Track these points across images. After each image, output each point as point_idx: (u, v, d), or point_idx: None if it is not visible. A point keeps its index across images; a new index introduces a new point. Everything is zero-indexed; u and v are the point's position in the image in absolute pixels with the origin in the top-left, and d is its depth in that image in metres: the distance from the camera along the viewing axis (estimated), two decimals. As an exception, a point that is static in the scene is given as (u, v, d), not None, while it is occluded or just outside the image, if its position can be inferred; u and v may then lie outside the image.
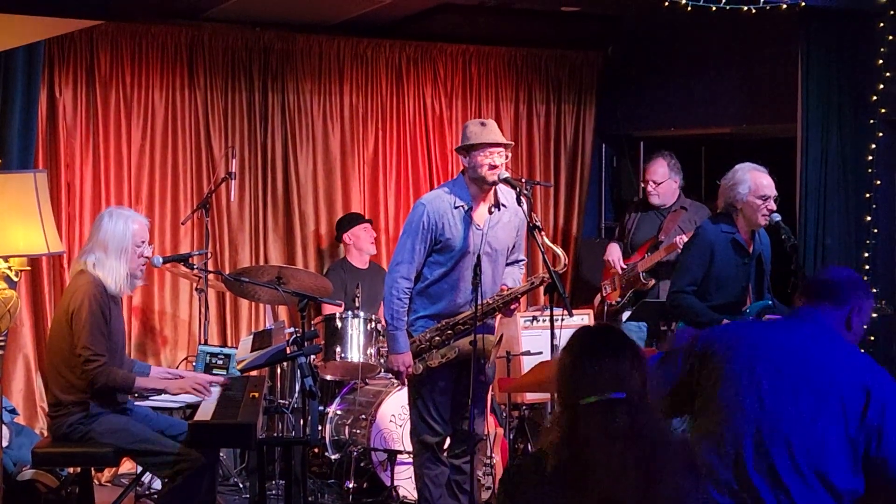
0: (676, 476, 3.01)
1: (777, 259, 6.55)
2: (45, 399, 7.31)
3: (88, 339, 5.42)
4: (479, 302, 5.58)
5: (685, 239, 7.42)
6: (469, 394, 5.69)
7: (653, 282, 7.76)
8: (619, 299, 7.97)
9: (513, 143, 5.89)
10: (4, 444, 6.40)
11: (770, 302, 6.31)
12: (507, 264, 5.95)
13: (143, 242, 5.64)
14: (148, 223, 5.77)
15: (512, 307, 5.83)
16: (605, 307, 8.04)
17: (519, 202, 5.71)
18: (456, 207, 5.73)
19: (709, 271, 6.20)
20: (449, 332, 5.73)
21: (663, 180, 7.92)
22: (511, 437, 7.43)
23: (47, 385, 5.75)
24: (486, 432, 6.22)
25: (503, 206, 5.80)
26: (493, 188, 5.77)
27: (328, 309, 7.42)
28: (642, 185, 8.15)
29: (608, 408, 2.99)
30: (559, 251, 5.64)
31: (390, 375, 7.15)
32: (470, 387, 5.68)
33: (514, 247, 5.96)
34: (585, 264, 9.16)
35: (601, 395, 3.00)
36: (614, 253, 8.06)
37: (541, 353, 7.20)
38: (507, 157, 5.73)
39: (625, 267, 7.96)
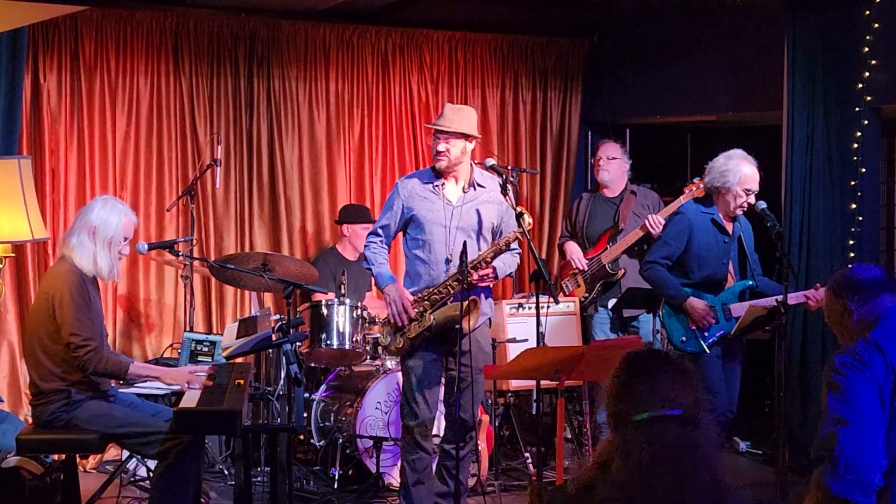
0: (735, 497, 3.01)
1: (762, 246, 6.59)
2: (29, 386, 7.32)
3: (75, 325, 5.43)
4: (464, 282, 5.61)
5: (660, 219, 7.45)
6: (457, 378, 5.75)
7: (623, 271, 7.76)
8: (586, 294, 7.96)
9: (458, 130, 5.92)
10: (-11, 431, 6.40)
11: (752, 282, 6.41)
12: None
13: (125, 239, 5.66)
14: (136, 223, 5.80)
15: (483, 274, 5.83)
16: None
17: (504, 190, 5.79)
18: (425, 184, 5.97)
19: (689, 249, 6.41)
20: (426, 302, 5.85)
21: (616, 156, 7.96)
22: (497, 423, 7.44)
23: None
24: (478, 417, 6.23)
25: (480, 186, 5.95)
26: (472, 169, 5.98)
27: (317, 296, 7.40)
28: (591, 162, 8.17)
29: (660, 423, 2.98)
30: (526, 215, 5.74)
31: (377, 362, 7.18)
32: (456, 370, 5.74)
33: (499, 233, 6.01)
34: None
35: (653, 412, 2.99)
36: (575, 251, 8.02)
37: (526, 340, 7.21)
38: (462, 147, 5.89)
39: (587, 262, 7.96)
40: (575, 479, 3.12)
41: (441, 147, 5.88)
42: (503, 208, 5.96)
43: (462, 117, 5.93)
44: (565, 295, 8.01)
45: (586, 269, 7.91)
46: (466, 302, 5.69)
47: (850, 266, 5.00)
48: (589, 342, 7.52)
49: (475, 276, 5.79)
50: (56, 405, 5.49)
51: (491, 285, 6.09)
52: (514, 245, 6.09)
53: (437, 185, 5.95)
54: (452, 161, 5.90)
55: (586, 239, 8.03)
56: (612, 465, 3.00)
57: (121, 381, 5.87)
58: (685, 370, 3.10)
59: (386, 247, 6.08)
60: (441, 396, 6.21)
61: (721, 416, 6.35)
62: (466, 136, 5.92)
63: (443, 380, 6.11)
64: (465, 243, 5.69)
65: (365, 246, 6.13)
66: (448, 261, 5.86)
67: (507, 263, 5.98)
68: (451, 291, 5.79)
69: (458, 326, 5.70)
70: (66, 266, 5.55)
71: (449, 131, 5.88)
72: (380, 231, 6.06)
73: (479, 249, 5.92)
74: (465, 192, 5.94)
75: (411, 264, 6.03)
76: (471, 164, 6.04)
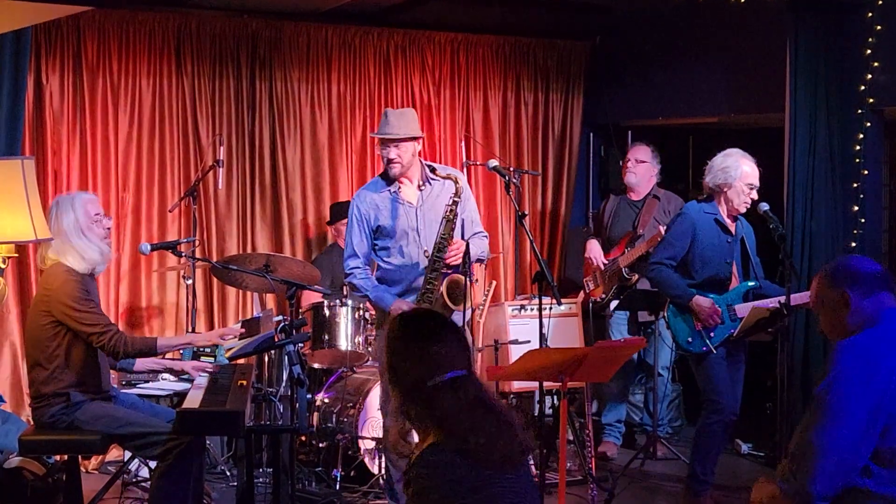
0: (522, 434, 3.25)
1: (764, 248, 6.59)
2: (30, 388, 7.33)
3: (89, 318, 5.45)
4: (469, 308, 5.64)
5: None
6: None
7: (636, 277, 7.79)
8: (603, 295, 7.99)
9: (406, 136, 6.02)
10: (-9, 431, 6.40)
11: (755, 283, 6.40)
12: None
13: (97, 215, 5.67)
14: (94, 196, 5.84)
15: (453, 251, 5.86)
16: (591, 302, 8.03)
17: (507, 190, 5.85)
18: (381, 192, 6.03)
19: (693, 249, 6.40)
20: (425, 306, 5.86)
21: (645, 160, 7.99)
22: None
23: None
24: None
25: (433, 180, 6.03)
26: (422, 166, 6.06)
27: (311, 296, 7.39)
28: (621, 163, 8.18)
29: (455, 384, 3.18)
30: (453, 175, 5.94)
31: (378, 364, 7.17)
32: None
33: (465, 221, 6.08)
34: (572, 253, 9.18)
35: (444, 375, 3.18)
36: (594, 250, 8.07)
37: (529, 341, 7.21)
38: (412, 150, 5.97)
39: (606, 262, 7.97)
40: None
41: (393, 155, 5.94)
42: (460, 195, 6.01)
43: (407, 121, 6.01)
44: (586, 292, 8.04)
45: (603, 268, 7.94)
46: (444, 283, 5.77)
47: (847, 255, 4.85)
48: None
49: (448, 257, 5.84)
50: (56, 408, 5.49)
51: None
52: (480, 229, 6.17)
53: (393, 191, 6.01)
54: (405, 166, 6.00)
55: (609, 240, 8.06)
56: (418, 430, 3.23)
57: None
58: (461, 331, 3.32)
59: (368, 267, 6.12)
60: None
61: (726, 417, 6.35)
62: (414, 138, 6.01)
63: None
64: (468, 244, 5.74)
65: (348, 275, 6.10)
66: (427, 255, 5.93)
67: (477, 246, 6.03)
68: (437, 284, 5.85)
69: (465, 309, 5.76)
70: (61, 268, 5.55)
71: (399, 138, 5.94)
72: (356, 253, 6.07)
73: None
74: (421, 191, 6.03)
75: (385, 273, 6.08)
76: (420, 162, 6.12)
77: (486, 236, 6.19)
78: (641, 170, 8.00)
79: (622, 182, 8.16)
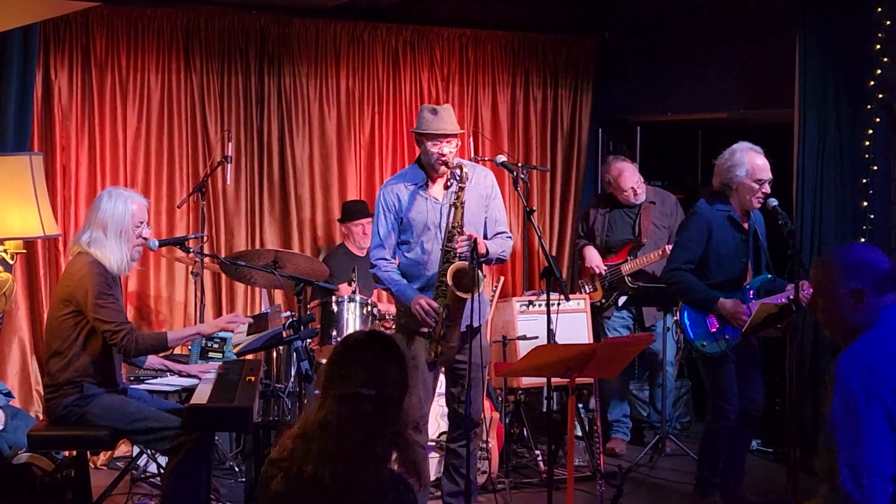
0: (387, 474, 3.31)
1: (774, 244, 6.56)
2: (40, 382, 7.32)
3: (106, 314, 5.44)
4: (474, 300, 5.61)
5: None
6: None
7: (640, 286, 7.78)
8: (602, 300, 7.98)
9: (462, 131, 5.96)
10: (0, 427, 6.41)
11: (770, 276, 6.33)
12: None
13: (141, 223, 5.65)
14: (147, 203, 5.78)
15: (463, 240, 5.79)
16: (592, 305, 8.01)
17: (515, 186, 5.81)
18: (408, 185, 5.96)
19: (707, 249, 6.25)
20: (440, 299, 5.81)
21: (639, 175, 8.03)
22: (507, 421, 7.44)
23: (43, 366, 5.77)
24: (482, 416, 6.21)
25: (458, 177, 5.94)
26: None
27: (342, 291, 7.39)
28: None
29: (354, 399, 3.26)
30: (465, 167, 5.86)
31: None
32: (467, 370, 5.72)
33: (488, 220, 6.03)
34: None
35: (350, 389, 3.28)
36: (594, 258, 8.04)
37: (537, 337, 7.20)
38: (457, 145, 5.90)
39: (606, 269, 7.96)
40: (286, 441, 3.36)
41: (447, 149, 5.86)
42: (486, 193, 5.99)
43: (453, 116, 5.96)
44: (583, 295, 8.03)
45: (605, 275, 7.94)
46: (449, 272, 5.71)
47: (851, 244, 4.56)
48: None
49: (458, 246, 5.76)
50: (70, 398, 5.48)
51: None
52: (504, 229, 6.09)
53: (421, 186, 5.95)
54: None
55: (606, 247, 8.04)
56: (313, 431, 3.28)
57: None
58: (393, 356, 3.38)
59: (393, 259, 6.03)
60: (440, 391, 6.22)
61: (731, 422, 6.29)
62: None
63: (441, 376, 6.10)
64: (475, 240, 5.69)
65: (372, 266, 6.00)
66: (474, 275, 5.76)
67: (498, 245, 5.96)
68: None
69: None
70: (86, 259, 5.54)
71: (456, 133, 5.90)
72: (383, 243, 5.98)
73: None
74: (447, 188, 5.95)
75: (404, 267, 6.00)
76: None
77: (510, 237, 6.08)
78: (642, 187, 8.02)
79: (609, 194, 8.16)
